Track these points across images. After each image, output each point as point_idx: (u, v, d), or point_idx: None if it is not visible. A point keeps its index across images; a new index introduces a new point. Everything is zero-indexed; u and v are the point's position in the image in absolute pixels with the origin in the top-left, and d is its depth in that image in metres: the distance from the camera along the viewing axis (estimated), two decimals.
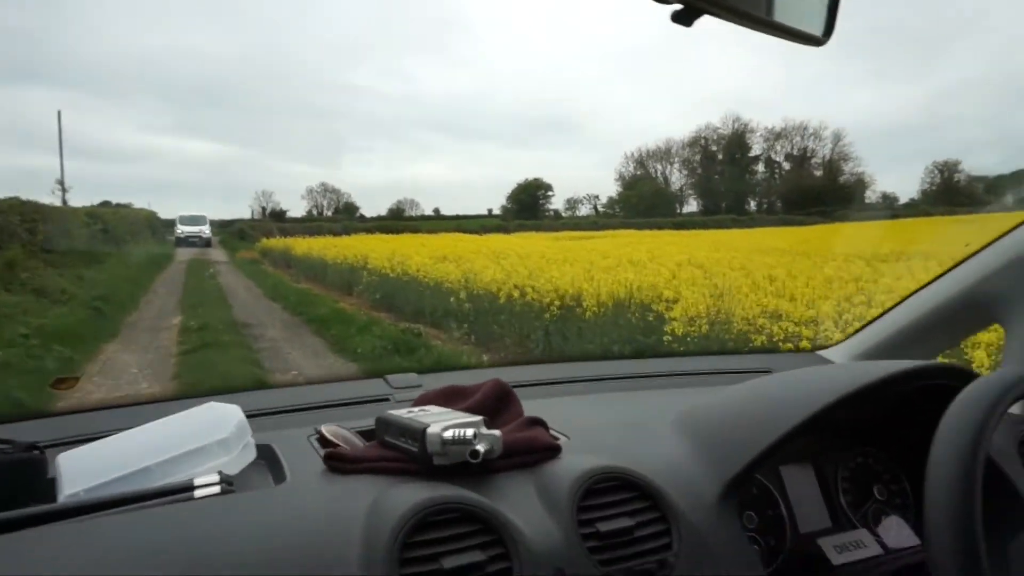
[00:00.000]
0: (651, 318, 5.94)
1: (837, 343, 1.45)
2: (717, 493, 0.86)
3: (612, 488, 0.82)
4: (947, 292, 1.23)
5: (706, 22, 0.56)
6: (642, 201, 39.89)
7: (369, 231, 23.52)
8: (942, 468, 0.66)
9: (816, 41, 0.60)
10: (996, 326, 1.20)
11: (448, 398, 1.00)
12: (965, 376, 0.83)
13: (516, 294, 7.25)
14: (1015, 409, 1.10)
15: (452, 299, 7.98)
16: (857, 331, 1.41)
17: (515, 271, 8.31)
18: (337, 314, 8.97)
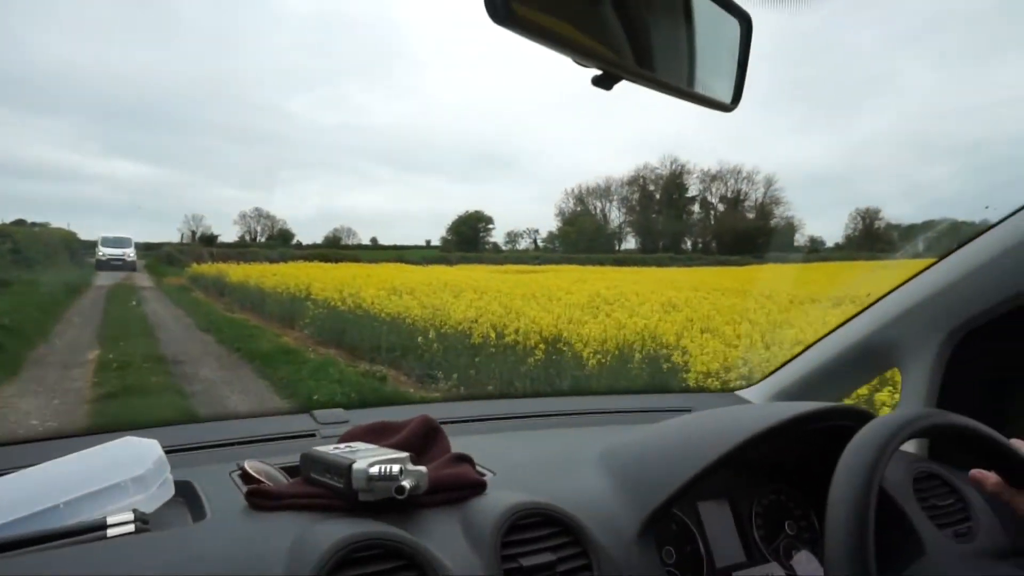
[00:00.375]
0: (665, 366, 5.82)
1: (754, 384, 1.52)
2: (636, 529, 0.89)
3: (535, 524, 0.84)
4: (852, 337, 1.32)
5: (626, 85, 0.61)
6: (582, 237, 40.52)
7: (307, 259, 22.97)
8: (838, 506, 0.71)
9: (725, 108, 0.66)
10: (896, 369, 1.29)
11: (375, 434, 1.00)
12: (863, 417, 0.89)
13: (493, 334, 6.89)
14: (911, 448, 1.19)
15: (420, 338, 7.48)
16: (772, 372, 1.48)
17: (487, 308, 7.94)
18: (282, 350, 8.23)
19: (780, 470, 1.14)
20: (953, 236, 1.21)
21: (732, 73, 0.66)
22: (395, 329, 8.17)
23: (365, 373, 7.06)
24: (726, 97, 0.66)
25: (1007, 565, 0.99)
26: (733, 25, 0.64)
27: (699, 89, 0.63)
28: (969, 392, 1.19)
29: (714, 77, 0.64)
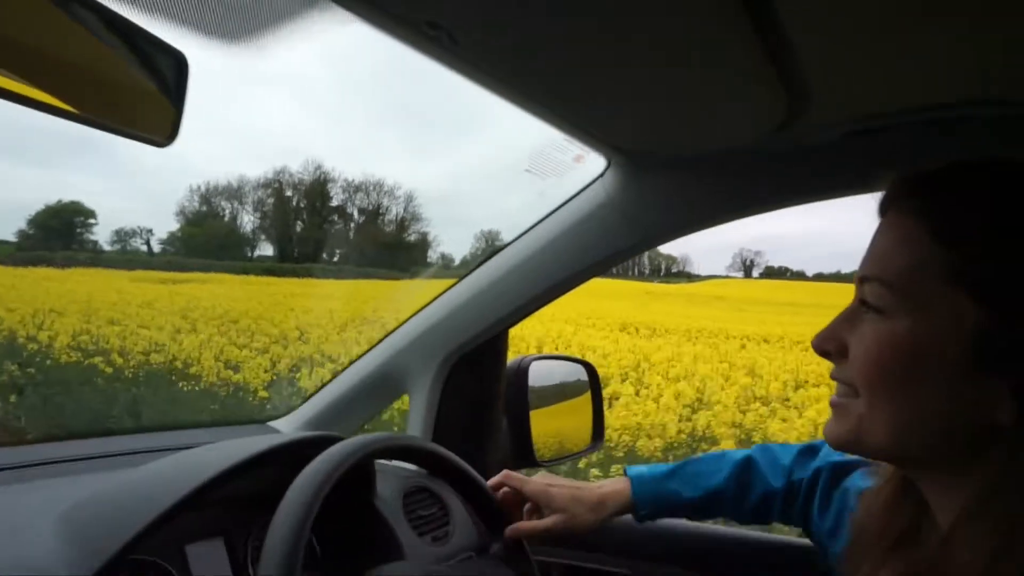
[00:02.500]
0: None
1: (286, 414, 1.51)
2: None
3: None
4: (372, 365, 1.41)
5: None
6: (211, 240, 36.33)
7: None
8: (275, 526, 0.74)
9: (159, 143, 0.64)
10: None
11: None
12: (332, 442, 0.93)
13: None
14: (408, 464, 1.31)
15: None
16: (304, 401, 1.50)
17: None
18: None
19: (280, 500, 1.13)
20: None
21: (169, 109, 0.65)
22: None
23: None
24: (162, 133, 0.64)
25: (475, 562, 1.13)
26: (168, 63, 0.63)
27: (132, 127, 0.61)
28: (459, 412, 1.37)
29: (148, 114, 0.62)
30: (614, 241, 1.17)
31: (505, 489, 1.14)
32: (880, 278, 0.62)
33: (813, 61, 0.77)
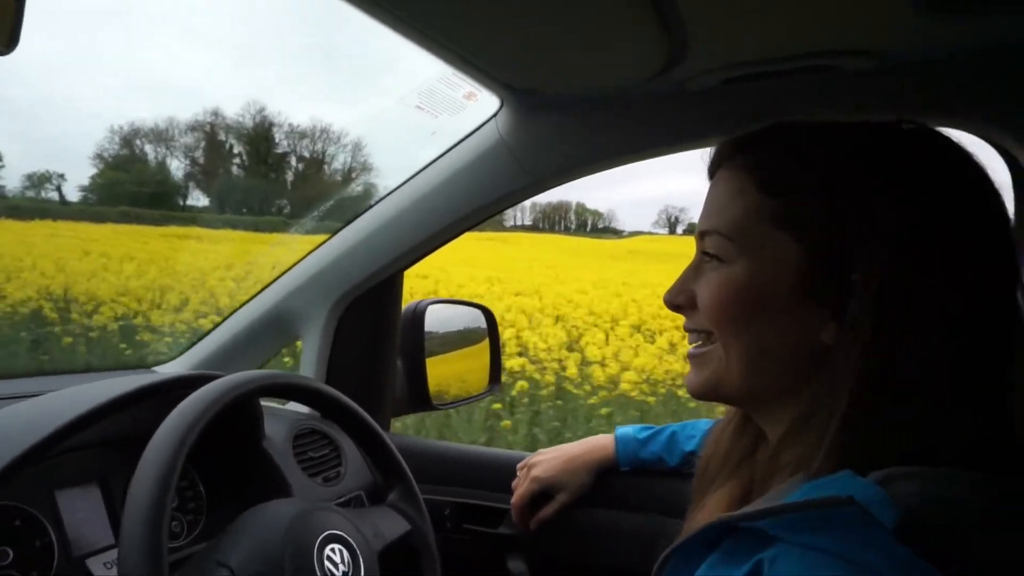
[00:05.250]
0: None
1: (174, 358, 1.46)
2: None
3: None
4: (263, 308, 1.37)
5: None
6: (142, 188, 32.74)
7: None
8: (142, 466, 0.71)
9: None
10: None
11: None
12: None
13: None
14: (303, 408, 1.29)
15: None
16: (190, 346, 1.44)
17: None
18: None
19: None
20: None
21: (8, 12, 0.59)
22: None
23: None
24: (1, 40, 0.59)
25: (367, 508, 1.13)
26: None
27: None
28: (353, 356, 1.36)
29: None
30: (507, 182, 1.17)
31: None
32: (718, 230, 0.67)
33: (691, 4, 0.79)
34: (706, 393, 0.70)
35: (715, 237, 0.67)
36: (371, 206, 1.29)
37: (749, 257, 0.65)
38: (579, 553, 1.22)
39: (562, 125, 1.13)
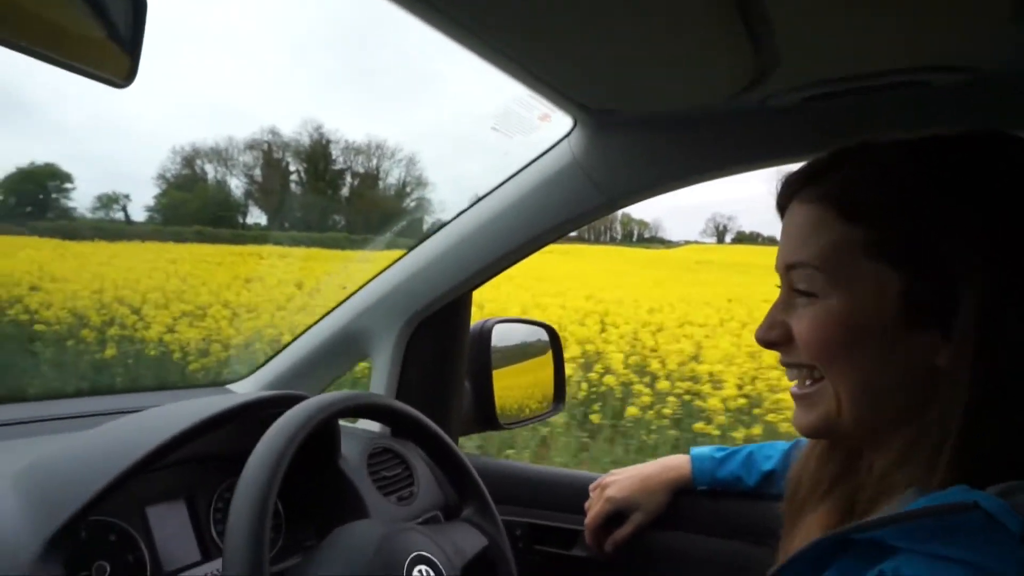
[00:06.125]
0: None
1: (244, 377, 1.48)
2: (37, 552, 0.76)
3: None
4: (333, 327, 1.39)
5: None
6: (205, 207, 33.33)
7: None
8: (242, 486, 0.73)
9: (118, 84, 0.61)
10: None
11: None
12: (297, 401, 0.92)
13: None
14: (373, 426, 1.30)
15: None
16: (263, 364, 1.47)
17: None
18: None
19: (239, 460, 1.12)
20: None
21: (128, 51, 0.62)
22: None
23: None
24: (120, 75, 0.62)
25: (443, 524, 1.13)
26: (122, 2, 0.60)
27: (87, 65, 0.58)
28: (422, 375, 1.36)
29: (107, 53, 0.60)
30: (580, 202, 1.17)
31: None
32: (807, 262, 0.65)
33: (783, 20, 0.78)
34: (819, 433, 0.68)
35: (803, 270, 0.65)
36: (442, 226, 1.30)
37: (845, 290, 0.62)
38: (653, 573, 1.20)
39: (636, 144, 1.12)
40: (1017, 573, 0.45)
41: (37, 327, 5.37)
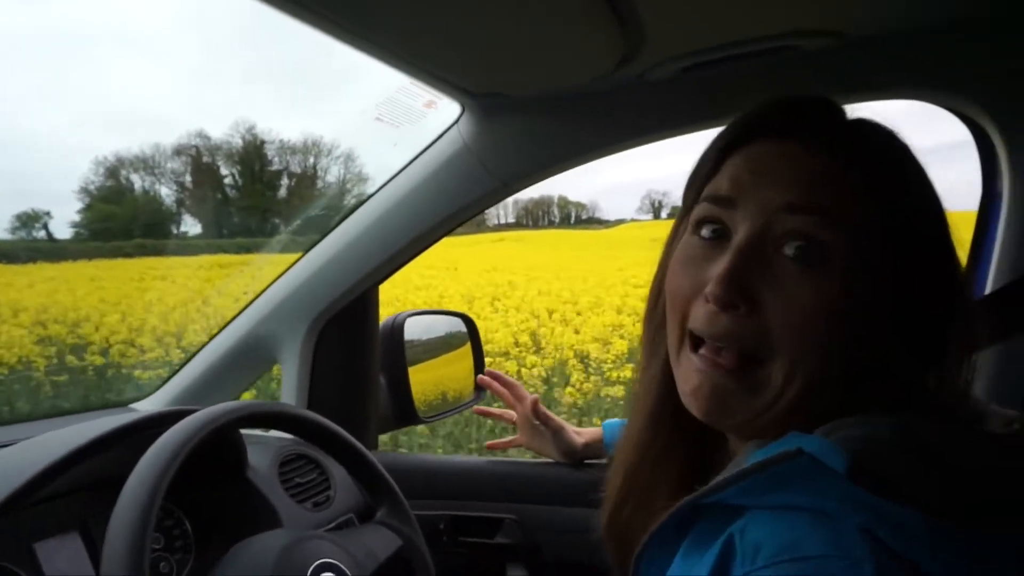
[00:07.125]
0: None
1: (150, 394, 1.42)
2: None
3: None
4: (236, 336, 1.34)
5: None
6: (135, 220, 31.40)
7: None
8: (120, 507, 0.69)
9: None
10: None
11: None
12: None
13: None
14: (285, 434, 1.26)
15: None
16: (167, 379, 1.41)
17: None
18: None
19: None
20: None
21: None
22: None
23: None
24: None
25: (357, 527, 1.11)
26: None
27: None
28: (334, 376, 1.33)
29: None
30: (475, 187, 1.16)
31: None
32: (818, 205, 0.53)
33: None
34: (741, 426, 0.58)
35: (811, 217, 0.53)
36: (339, 223, 1.27)
37: (851, 259, 0.53)
38: (579, 553, 1.21)
39: (524, 126, 1.11)
40: (851, 508, 0.45)
41: None
